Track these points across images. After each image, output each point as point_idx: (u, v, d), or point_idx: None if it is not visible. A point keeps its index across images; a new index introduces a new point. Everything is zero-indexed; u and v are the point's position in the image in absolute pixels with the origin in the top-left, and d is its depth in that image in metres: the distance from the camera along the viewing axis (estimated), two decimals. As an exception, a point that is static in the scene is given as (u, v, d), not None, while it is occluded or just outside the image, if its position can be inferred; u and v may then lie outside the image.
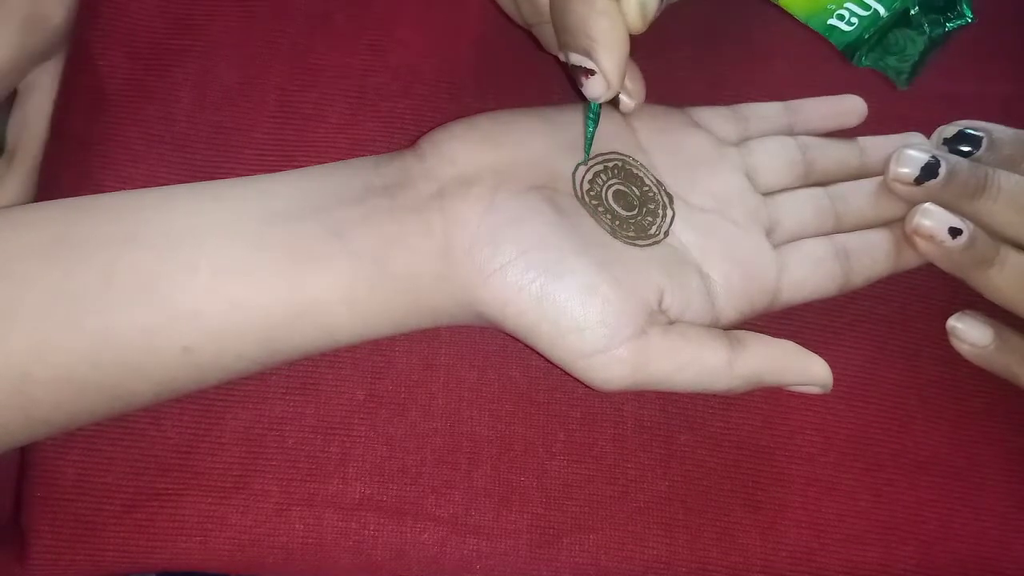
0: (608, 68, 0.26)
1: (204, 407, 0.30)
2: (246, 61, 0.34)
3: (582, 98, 0.28)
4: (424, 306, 0.28)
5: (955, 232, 0.31)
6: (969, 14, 0.28)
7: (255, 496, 0.30)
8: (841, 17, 0.29)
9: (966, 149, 0.32)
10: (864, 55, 0.30)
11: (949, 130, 0.33)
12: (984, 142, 0.32)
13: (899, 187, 0.32)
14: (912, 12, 0.27)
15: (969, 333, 0.33)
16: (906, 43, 0.29)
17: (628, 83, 0.30)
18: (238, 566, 0.30)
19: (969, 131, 0.32)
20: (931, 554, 0.31)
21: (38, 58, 0.34)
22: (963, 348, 0.33)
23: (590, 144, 0.30)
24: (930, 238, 0.31)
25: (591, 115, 0.29)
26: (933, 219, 0.31)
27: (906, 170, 0.31)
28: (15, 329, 0.25)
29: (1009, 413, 0.33)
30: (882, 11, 0.28)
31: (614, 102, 0.30)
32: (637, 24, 0.26)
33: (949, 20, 0.28)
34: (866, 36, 0.29)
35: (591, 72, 0.26)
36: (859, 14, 0.28)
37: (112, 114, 0.33)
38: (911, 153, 0.31)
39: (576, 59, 0.27)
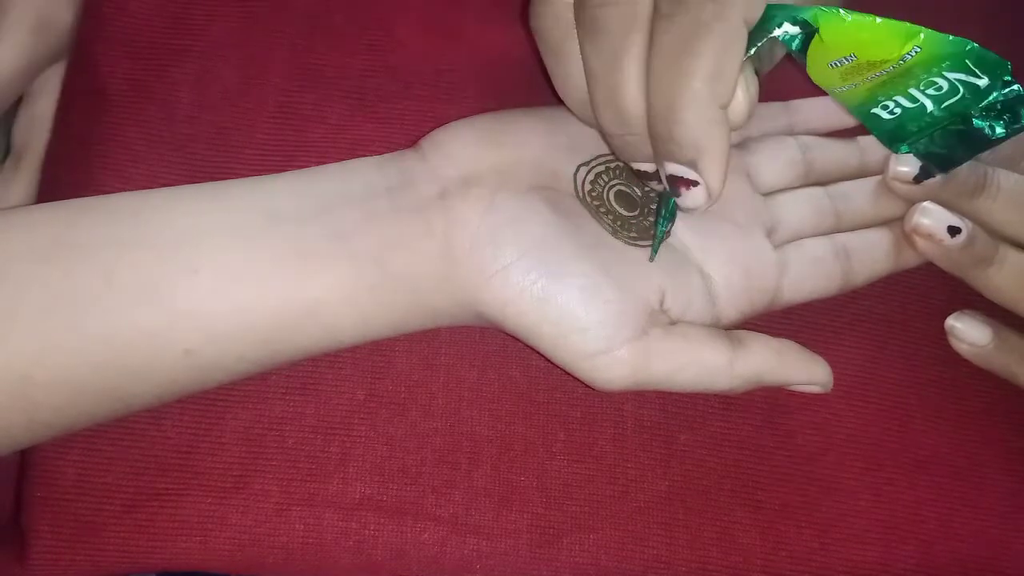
0: (713, 179, 0.25)
1: (204, 407, 0.30)
2: (246, 61, 0.34)
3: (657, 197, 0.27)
4: (425, 307, 0.28)
5: (954, 231, 0.31)
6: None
7: (255, 496, 0.30)
8: (885, 107, 0.28)
9: None
10: (906, 144, 0.29)
11: None
12: None
13: (898, 186, 0.32)
14: (973, 114, 0.27)
15: (968, 333, 0.33)
16: (957, 146, 0.28)
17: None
18: (238, 566, 0.30)
19: None
20: (931, 553, 0.31)
21: (48, 61, 0.34)
22: (962, 348, 0.33)
23: (659, 245, 0.29)
24: (929, 237, 0.31)
25: (666, 214, 0.28)
26: (932, 218, 0.31)
27: (905, 169, 0.31)
28: (16, 331, 0.25)
29: (1009, 413, 0.33)
30: (930, 106, 0.27)
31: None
32: (743, 117, 0.26)
33: (1010, 124, 0.27)
34: (911, 128, 0.28)
35: (693, 183, 0.26)
36: (904, 105, 0.28)
37: (112, 114, 0.33)
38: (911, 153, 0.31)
39: (677, 169, 0.26)
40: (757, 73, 0.27)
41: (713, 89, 0.24)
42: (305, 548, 0.30)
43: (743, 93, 0.25)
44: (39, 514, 0.30)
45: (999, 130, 0.27)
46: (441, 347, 0.32)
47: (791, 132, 0.34)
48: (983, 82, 0.26)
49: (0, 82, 0.32)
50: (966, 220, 0.31)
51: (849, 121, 0.34)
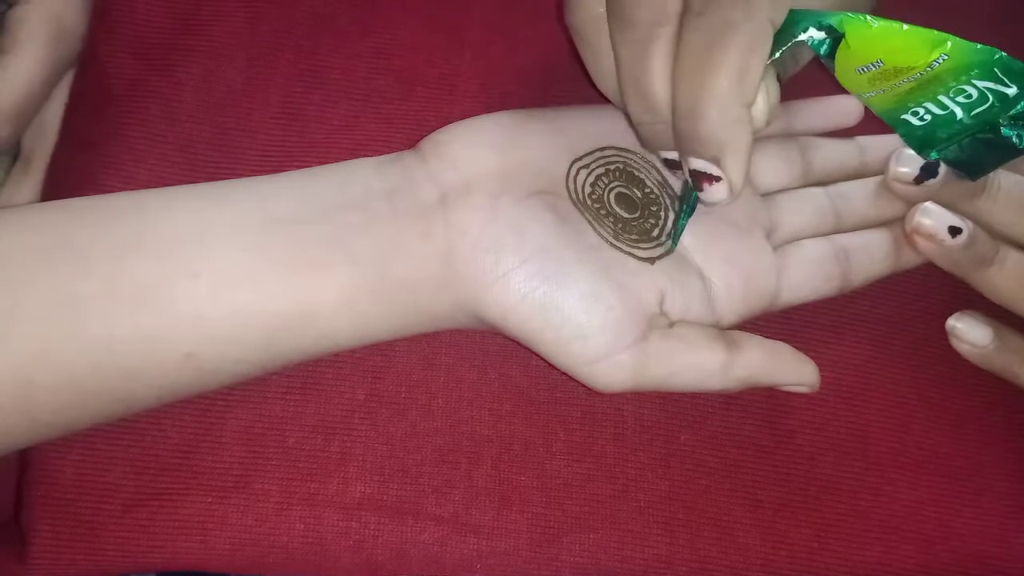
0: (735, 176, 0.26)
1: (204, 407, 0.30)
2: (250, 62, 0.35)
3: (679, 192, 0.27)
4: (425, 311, 0.28)
5: (955, 231, 0.31)
6: None
7: (255, 495, 0.30)
8: (916, 114, 0.28)
9: None
10: (936, 151, 0.29)
11: None
12: None
13: (899, 186, 0.32)
14: (1001, 122, 0.27)
15: (968, 333, 0.33)
16: (986, 153, 0.28)
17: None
18: (238, 566, 0.30)
19: None
20: (931, 554, 0.31)
21: (65, 69, 0.34)
22: (963, 348, 0.33)
23: (679, 235, 0.30)
24: (930, 237, 0.31)
25: (687, 208, 0.29)
26: (933, 218, 0.31)
27: (905, 169, 0.31)
28: (17, 332, 0.25)
29: (1009, 413, 0.33)
30: (959, 113, 0.27)
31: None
32: (764, 120, 0.26)
33: None
34: (940, 135, 0.28)
35: (716, 179, 0.26)
36: (934, 112, 0.28)
37: (116, 114, 0.33)
38: (911, 152, 0.31)
39: (700, 165, 0.26)
40: (779, 78, 0.27)
41: (738, 87, 0.25)
42: (305, 548, 0.30)
43: (764, 96, 0.26)
44: (39, 514, 0.29)
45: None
46: (441, 347, 0.32)
47: (790, 133, 0.34)
48: (1012, 91, 0.26)
49: (26, 93, 0.32)
50: (967, 220, 0.31)
51: (849, 121, 0.35)
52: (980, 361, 0.33)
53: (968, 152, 0.29)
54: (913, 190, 0.31)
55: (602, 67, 0.28)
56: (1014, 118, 0.27)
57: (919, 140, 0.29)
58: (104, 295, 0.25)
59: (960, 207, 0.31)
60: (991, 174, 0.31)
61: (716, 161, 0.26)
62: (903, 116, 0.28)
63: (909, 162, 0.31)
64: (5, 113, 0.32)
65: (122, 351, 0.26)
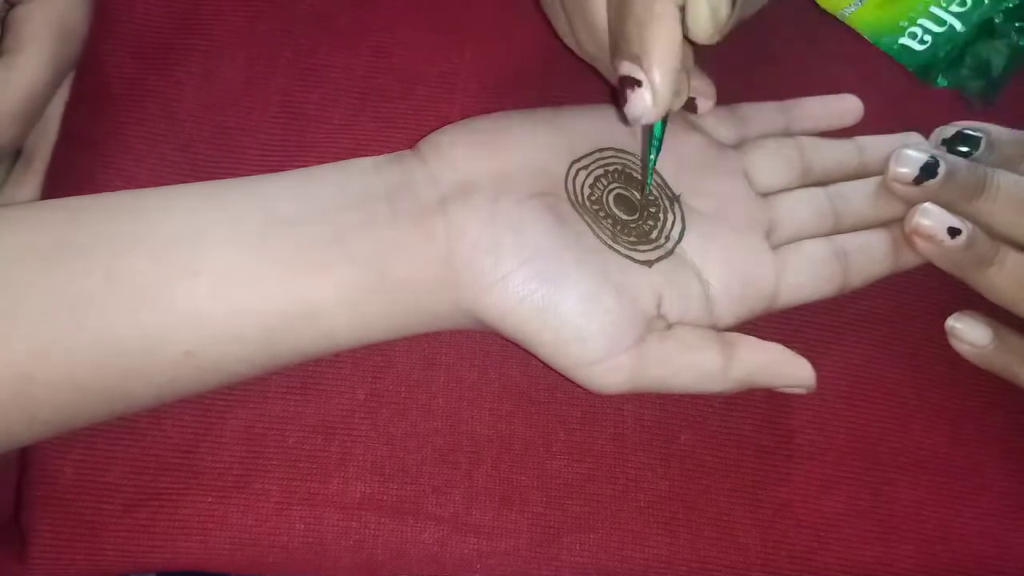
0: (658, 80, 0.24)
1: (205, 406, 0.30)
2: (250, 61, 0.35)
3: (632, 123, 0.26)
4: (424, 312, 0.28)
5: (954, 232, 0.31)
6: None
7: (256, 495, 0.30)
8: (913, 36, 0.27)
9: (965, 149, 0.32)
10: (941, 75, 0.28)
11: (948, 130, 0.33)
12: (983, 142, 0.32)
13: (898, 187, 0.32)
14: (996, 21, 0.26)
15: (968, 333, 0.33)
16: (989, 56, 0.27)
17: (698, 83, 0.29)
18: (238, 566, 0.30)
19: (968, 131, 0.32)
20: (931, 553, 0.31)
21: (68, 70, 0.34)
22: (962, 348, 0.33)
23: (651, 173, 0.29)
24: (929, 238, 0.31)
25: (654, 141, 0.28)
26: (932, 219, 0.31)
27: (905, 170, 0.31)
28: (17, 330, 0.25)
29: (1009, 413, 0.33)
30: (959, 26, 0.26)
31: (688, 106, 0.29)
32: (708, 31, 0.24)
33: None
34: (941, 54, 0.27)
35: (637, 83, 0.24)
36: (933, 31, 0.27)
37: (116, 114, 0.33)
38: (910, 153, 0.31)
39: (626, 68, 0.25)
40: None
41: None
42: (305, 547, 0.30)
43: (707, 3, 0.24)
44: (39, 514, 0.29)
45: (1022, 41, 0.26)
46: (442, 346, 0.32)
47: (789, 132, 0.34)
48: None
49: (31, 94, 0.32)
50: (966, 221, 0.31)
51: (848, 121, 0.35)
52: (980, 361, 0.33)
53: (972, 68, 0.28)
54: (912, 190, 0.31)
55: (560, 19, 0.29)
56: (1007, 12, 0.26)
57: (923, 68, 0.28)
58: (104, 294, 0.25)
59: (959, 207, 0.31)
60: (991, 175, 0.31)
61: (637, 60, 0.24)
62: (902, 41, 0.28)
63: (908, 162, 0.31)
64: (11, 114, 0.32)
65: (122, 349, 0.26)
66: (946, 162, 0.31)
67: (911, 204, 0.32)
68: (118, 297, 0.26)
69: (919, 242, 0.31)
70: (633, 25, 0.24)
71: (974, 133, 0.32)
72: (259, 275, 0.26)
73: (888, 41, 0.27)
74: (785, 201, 0.32)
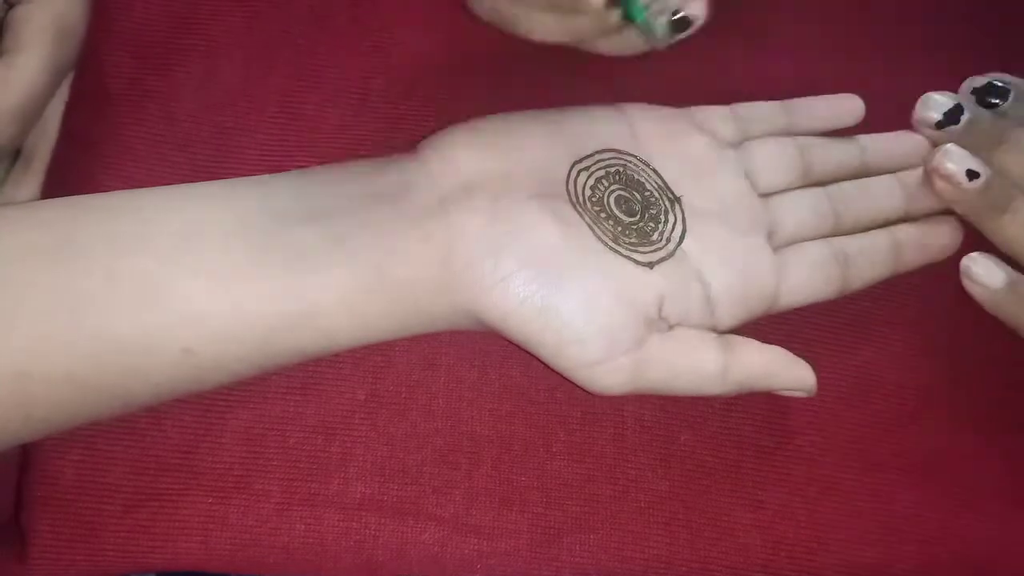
0: None
1: (205, 407, 0.30)
2: (249, 61, 0.35)
3: None
4: (423, 313, 0.28)
5: (972, 175, 0.31)
6: None
7: (256, 496, 0.30)
8: None
9: (994, 100, 0.33)
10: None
11: (979, 80, 0.34)
12: (1011, 95, 0.33)
13: (922, 130, 0.33)
14: None
15: (983, 274, 0.33)
16: None
17: None
18: (238, 566, 0.30)
19: (998, 83, 0.33)
20: (931, 553, 0.31)
21: (68, 69, 0.34)
22: (975, 289, 0.33)
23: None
24: (948, 178, 0.32)
25: None
26: (954, 160, 0.31)
27: (930, 113, 0.32)
28: (16, 328, 0.25)
29: (1009, 413, 0.33)
30: None
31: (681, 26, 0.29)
32: None
33: None
34: None
35: None
36: None
37: (115, 114, 0.33)
38: (936, 97, 0.32)
39: None
40: None
41: None
42: (305, 548, 0.30)
43: None
44: (39, 514, 0.29)
45: None
46: (442, 347, 0.32)
47: (790, 132, 0.34)
48: None
49: (31, 94, 0.32)
50: (986, 166, 0.31)
51: (849, 121, 0.35)
52: (989, 304, 0.33)
53: None
54: (935, 133, 0.32)
55: None
56: None
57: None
58: (104, 293, 0.25)
59: (979, 157, 0.32)
60: (1011, 127, 0.32)
61: None
62: None
63: (935, 106, 0.32)
64: (10, 114, 0.32)
65: (121, 347, 0.26)
66: (969, 110, 0.32)
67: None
68: (118, 296, 0.26)
69: (938, 181, 0.32)
70: None
71: (1004, 85, 0.33)
72: (258, 274, 0.26)
73: None
74: (786, 202, 0.32)
